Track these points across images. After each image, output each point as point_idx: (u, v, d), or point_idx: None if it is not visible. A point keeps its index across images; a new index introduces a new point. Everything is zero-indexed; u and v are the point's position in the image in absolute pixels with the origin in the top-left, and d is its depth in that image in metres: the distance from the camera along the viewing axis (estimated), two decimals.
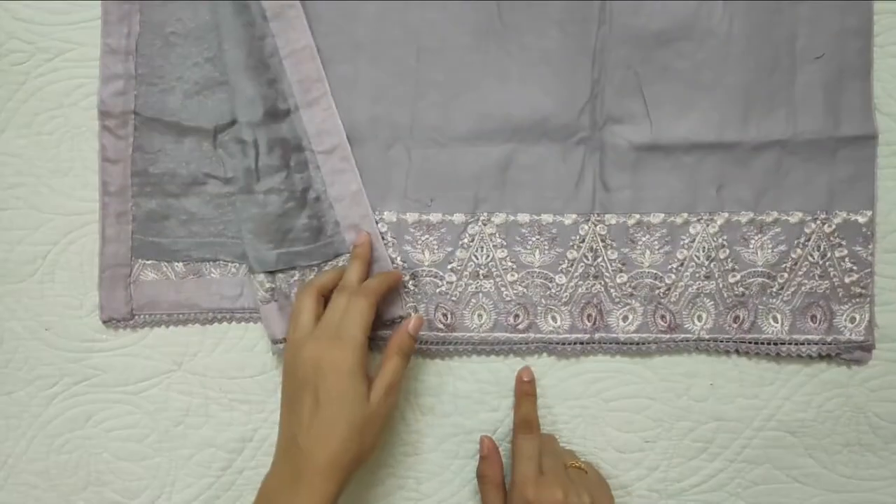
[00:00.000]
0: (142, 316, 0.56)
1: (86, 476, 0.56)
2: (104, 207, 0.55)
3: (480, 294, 0.54)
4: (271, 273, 0.53)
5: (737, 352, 0.53)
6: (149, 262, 0.56)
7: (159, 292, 0.56)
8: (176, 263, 0.56)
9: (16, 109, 0.56)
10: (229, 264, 0.56)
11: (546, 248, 0.53)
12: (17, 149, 0.56)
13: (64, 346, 0.56)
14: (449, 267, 0.54)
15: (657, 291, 0.53)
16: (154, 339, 0.56)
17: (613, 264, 0.53)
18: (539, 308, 0.54)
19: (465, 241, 0.54)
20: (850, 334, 0.52)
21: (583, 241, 0.53)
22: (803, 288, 0.52)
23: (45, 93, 0.56)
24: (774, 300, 0.52)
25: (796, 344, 0.52)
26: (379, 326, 0.54)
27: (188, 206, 0.55)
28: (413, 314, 0.53)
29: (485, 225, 0.54)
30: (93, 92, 0.55)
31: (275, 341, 0.53)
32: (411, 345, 0.50)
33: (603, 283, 0.53)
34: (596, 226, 0.53)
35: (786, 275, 0.52)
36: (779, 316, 0.52)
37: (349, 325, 0.47)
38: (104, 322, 0.56)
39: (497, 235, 0.54)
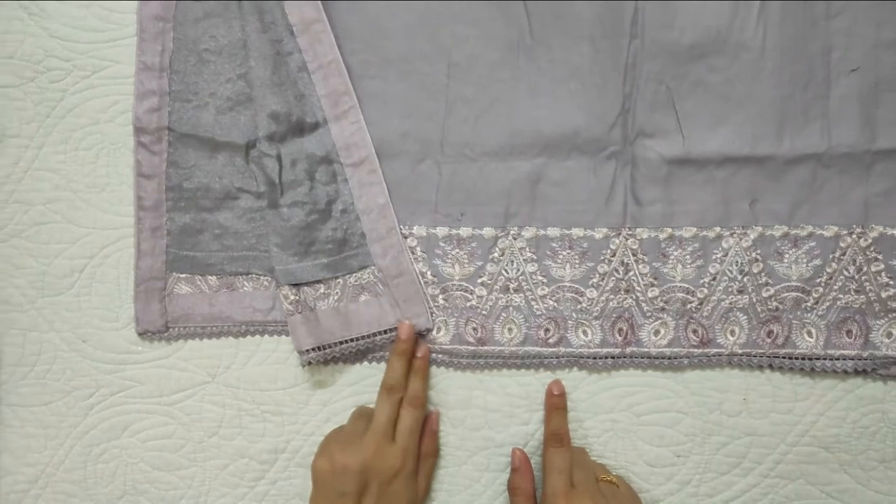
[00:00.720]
0: (176, 328, 0.57)
1: (122, 485, 0.57)
2: (139, 222, 0.56)
3: (511, 308, 0.54)
4: (296, 286, 0.53)
5: (770, 367, 0.53)
6: (183, 275, 0.57)
7: (193, 305, 0.57)
8: (209, 277, 0.57)
9: (53, 126, 0.57)
10: (261, 278, 0.56)
11: (577, 262, 0.53)
12: (55, 164, 0.57)
13: (100, 358, 0.57)
14: (479, 281, 0.54)
15: (689, 306, 0.53)
16: (188, 351, 0.57)
17: (645, 278, 0.53)
18: (570, 322, 0.54)
19: (496, 255, 0.54)
20: (887, 350, 0.51)
21: (614, 255, 0.53)
22: (839, 302, 0.52)
23: (81, 109, 0.57)
24: (809, 315, 0.52)
25: (831, 359, 0.52)
26: None
27: (221, 221, 0.56)
28: (432, 412, 0.55)
29: (515, 239, 0.54)
30: (128, 108, 0.56)
31: (301, 352, 0.54)
32: (437, 441, 0.55)
33: (634, 297, 0.53)
34: (627, 240, 0.53)
35: (821, 289, 0.52)
36: (813, 331, 0.52)
37: (407, 434, 0.51)
38: (140, 334, 0.57)
39: (527, 249, 0.54)
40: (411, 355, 0.53)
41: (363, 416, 0.53)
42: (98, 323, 0.57)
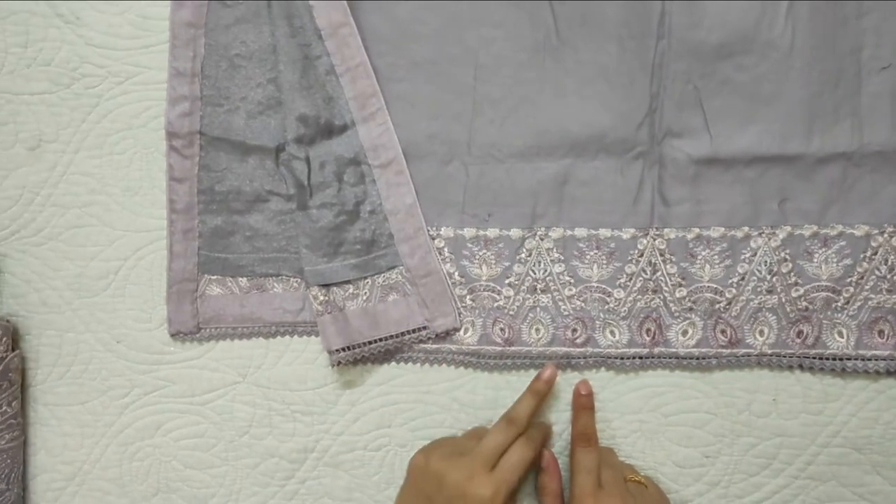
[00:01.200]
0: (208, 329, 0.58)
1: (156, 483, 0.59)
2: (172, 224, 0.57)
3: (538, 308, 0.54)
4: (325, 286, 0.54)
5: (800, 367, 0.52)
6: (214, 277, 0.58)
7: (224, 306, 0.58)
8: (240, 278, 0.57)
9: (89, 131, 0.58)
10: (291, 279, 0.57)
11: (604, 262, 0.53)
12: (91, 168, 0.59)
13: (134, 358, 0.59)
14: (506, 281, 0.54)
15: (717, 306, 0.52)
16: (219, 351, 0.58)
17: (672, 278, 0.53)
18: (597, 322, 0.54)
19: (523, 255, 0.54)
20: None
21: (641, 255, 0.53)
22: (870, 302, 0.51)
23: (115, 115, 0.58)
24: (840, 315, 0.51)
25: (863, 359, 0.51)
26: (430, 339, 0.55)
27: (252, 223, 0.57)
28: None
29: (542, 240, 0.54)
30: (161, 113, 0.57)
31: (330, 352, 0.54)
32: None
33: (662, 297, 0.53)
34: (655, 240, 0.53)
35: (851, 289, 0.51)
36: (844, 331, 0.51)
37: (508, 468, 0.48)
38: (172, 335, 0.58)
39: (554, 250, 0.54)
40: (544, 396, 0.52)
41: (477, 436, 0.51)
42: (132, 324, 0.59)
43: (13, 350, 0.57)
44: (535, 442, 0.50)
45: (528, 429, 0.51)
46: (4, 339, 0.56)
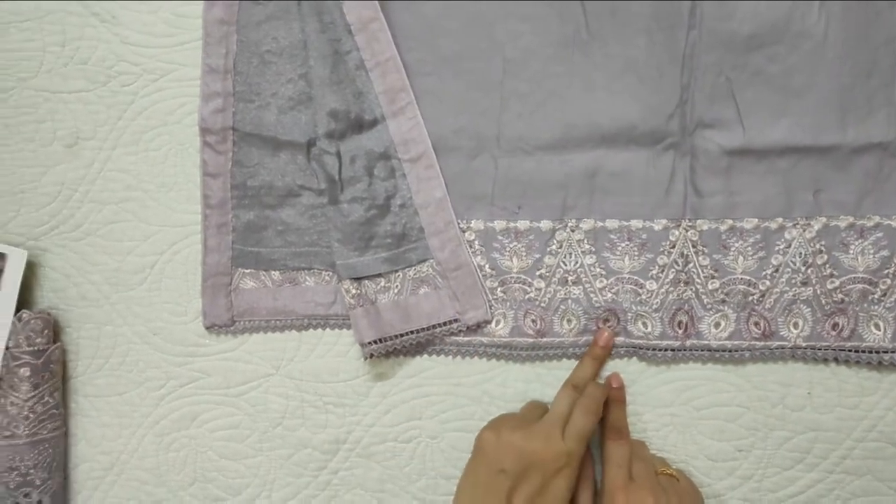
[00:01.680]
0: (241, 322, 0.59)
1: (192, 473, 0.60)
2: (206, 219, 0.58)
3: (570, 300, 0.54)
4: (357, 280, 0.55)
5: (835, 360, 0.52)
6: (248, 270, 0.59)
7: (258, 300, 0.58)
8: (273, 272, 0.58)
9: (125, 128, 0.60)
10: (323, 272, 0.58)
11: (636, 253, 0.53)
12: (127, 165, 0.60)
13: (170, 351, 0.60)
14: (537, 273, 0.54)
15: (751, 298, 0.52)
16: (253, 344, 0.59)
17: (705, 270, 0.53)
18: (629, 314, 0.53)
19: (554, 247, 0.54)
20: None
21: (673, 246, 0.53)
22: None
23: (151, 112, 0.59)
24: (876, 307, 0.51)
25: None
26: (461, 332, 0.55)
27: (284, 217, 0.58)
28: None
29: (573, 231, 0.54)
30: (194, 110, 0.58)
31: (363, 344, 0.55)
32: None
33: (694, 289, 0.53)
34: (687, 231, 0.53)
35: (888, 280, 0.50)
36: (881, 323, 0.51)
37: (574, 436, 0.48)
38: (207, 328, 0.59)
39: (585, 241, 0.54)
40: (604, 361, 0.54)
41: (538, 407, 0.53)
42: (168, 317, 0.60)
43: (54, 342, 0.59)
44: (596, 403, 0.50)
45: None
46: (46, 331, 0.58)
